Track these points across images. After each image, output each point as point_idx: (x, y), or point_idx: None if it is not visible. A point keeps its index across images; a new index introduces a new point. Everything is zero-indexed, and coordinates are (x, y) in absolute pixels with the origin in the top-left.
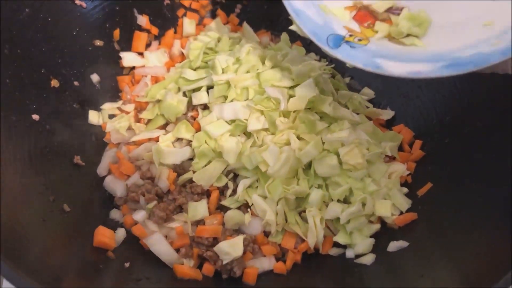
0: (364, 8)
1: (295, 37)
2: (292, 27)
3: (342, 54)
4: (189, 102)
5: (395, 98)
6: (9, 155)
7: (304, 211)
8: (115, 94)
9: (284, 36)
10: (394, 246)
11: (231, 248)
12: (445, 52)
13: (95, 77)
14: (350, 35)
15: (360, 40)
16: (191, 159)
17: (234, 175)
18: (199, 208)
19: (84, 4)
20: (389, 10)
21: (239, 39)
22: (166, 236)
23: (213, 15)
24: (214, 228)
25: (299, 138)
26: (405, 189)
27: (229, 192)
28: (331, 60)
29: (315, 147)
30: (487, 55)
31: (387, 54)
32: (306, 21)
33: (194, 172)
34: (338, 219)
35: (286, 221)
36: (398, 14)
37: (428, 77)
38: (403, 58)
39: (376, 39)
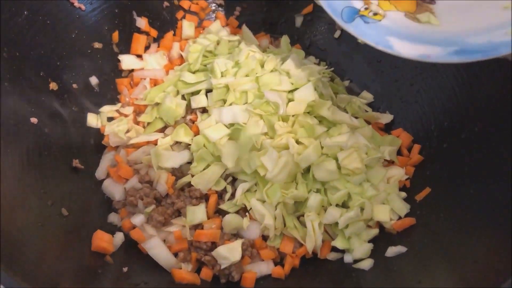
0: None
1: (294, 40)
2: None
3: (355, 29)
4: (188, 105)
5: (394, 102)
6: (7, 159)
7: (303, 216)
8: (113, 97)
9: (285, 39)
10: (392, 251)
11: (229, 253)
12: (458, 35)
13: (93, 80)
14: (366, 8)
15: (375, 14)
16: (190, 163)
17: (233, 179)
18: (197, 212)
19: (83, 7)
20: None
21: (238, 42)
22: (164, 240)
23: (212, 18)
24: (213, 233)
25: (298, 142)
26: (404, 194)
27: (227, 196)
28: (330, 63)
29: (314, 151)
30: (498, 45)
31: (400, 33)
32: None
33: (192, 175)
34: (336, 223)
35: (285, 225)
36: None
37: (437, 62)
38: (415, 39)
39: (393, 12)
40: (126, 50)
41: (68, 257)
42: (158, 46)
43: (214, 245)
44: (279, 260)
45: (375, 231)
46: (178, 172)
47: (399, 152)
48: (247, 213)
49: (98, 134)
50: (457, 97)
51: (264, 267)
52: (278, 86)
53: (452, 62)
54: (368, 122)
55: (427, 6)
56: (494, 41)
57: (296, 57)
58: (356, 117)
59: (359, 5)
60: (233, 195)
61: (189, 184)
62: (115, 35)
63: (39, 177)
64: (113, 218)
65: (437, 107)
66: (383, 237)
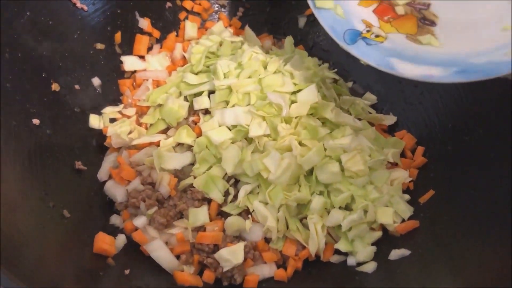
0: (386, 1)
1: (297, 41)
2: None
3: (357, 51)
4: (191, 106)
5: (398, 103)
6: (8, 160)
7: (306, 218)
8: (116, 98)
9: (289, 39)
10: (395, 254)
11: (231, 255)
12: (459, 56)
13: (96, 81)
14: (368, 31)
15: (377, 36)
16: (192, 164)
17: (235, 181)
18: (199, 214)
19: (85, 7)
20: (412, 4)
21: (241, 43)
22: (166, 243)
23: (215, 19)
24: (215, 235)
25: (300, 144)
26: (407, 196)
27: (230, 198)
28: (334, 64)
29: (317, 153)
30: (499, 65)
31: (401, 54)
32: (325, 14)
33: (195, 177)
34: (339, 226)
35: (287, 227)
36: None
37: (439, 82)
38: (417, 60)
39: (394, 34)
40: (129, 51)
41: (69, 259)
42: (161, 47)
43: (216, 248)
44: (282, 263)
45: (378, 234)
46: (180, 174)
47: (402, 154)
48: (249, 215)
49: (100, 135)
50: (462, 98)
51: (266, 270)
52: (281, 87)
53: (454, 82)
54: (372, 124)
55: (428, 28)
56: (495, 61)
57: (299, 58)
58: (360, 119)
59: (361, 27)
60: (235, 197)
61: (191, 186)
62: (118, 36)
63: (41, 179)
64: (115, 220)
65: (441, 108)
66: (386, 240)
